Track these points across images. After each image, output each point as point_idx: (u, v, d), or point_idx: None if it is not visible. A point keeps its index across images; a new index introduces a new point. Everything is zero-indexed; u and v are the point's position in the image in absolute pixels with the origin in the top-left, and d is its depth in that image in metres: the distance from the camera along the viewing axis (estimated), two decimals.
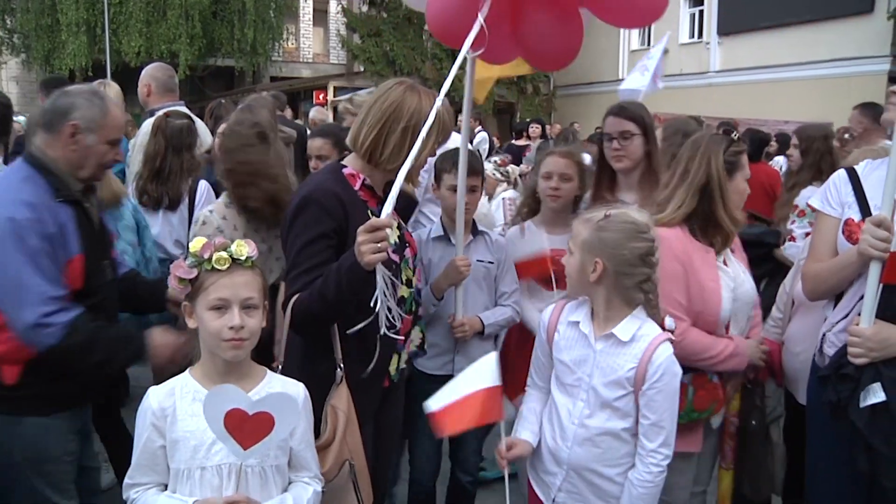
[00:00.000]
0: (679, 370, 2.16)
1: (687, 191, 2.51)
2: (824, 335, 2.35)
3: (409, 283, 2.45)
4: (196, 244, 1.82)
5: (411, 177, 2.48)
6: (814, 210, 2.52)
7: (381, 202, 2.30)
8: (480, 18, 2.34)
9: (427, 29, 20.05)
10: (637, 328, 2.14)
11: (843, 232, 2.34)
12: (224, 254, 1.80)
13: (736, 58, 20.82)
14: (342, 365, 2.20)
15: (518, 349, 3.03)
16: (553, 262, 2.96)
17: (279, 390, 1.88)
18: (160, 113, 4.04)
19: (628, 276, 2.12)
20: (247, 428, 1.71)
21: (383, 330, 2.18)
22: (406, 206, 3.01)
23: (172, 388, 1.87)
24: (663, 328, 2.19)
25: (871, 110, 5.26)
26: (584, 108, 22.06)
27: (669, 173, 2.62)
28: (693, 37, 23.03)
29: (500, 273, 3.01)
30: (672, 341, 2.17)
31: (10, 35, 21.26)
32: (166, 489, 1.87)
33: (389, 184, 2.34)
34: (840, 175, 2.43)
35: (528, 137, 11.07)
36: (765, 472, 2.82)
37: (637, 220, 2.15)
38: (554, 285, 2.98)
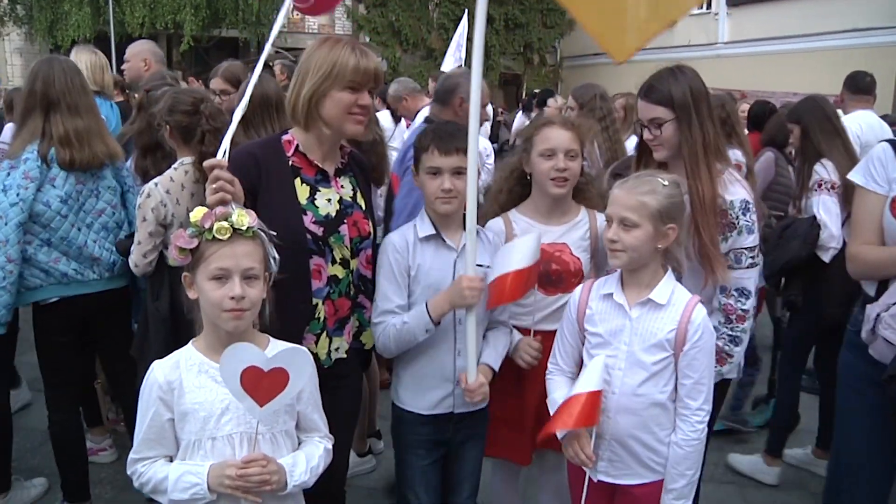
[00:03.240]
0: (713, 331, 2.22)
1: None
2: (879, 316, 2.31)
3: (344, 263, 2.36)
4: (197, 213, 1.80)
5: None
6: (855, 186, 2.46)
7: (320, 171, 2.33)
8: None
9: None
10: (671, 292, 2.19)
11: (891, 210, 2.31)
12: (225, 223, 1.78)
13: (744, 29, 20.63)
14: None
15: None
16: (555, 259, 2.61)
17: None
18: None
19: (683, 237, 2.23)
20: (263, 385, 1.74)
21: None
22: (363, 171, 2.61)
23: (177, 360, 1.86)
24: None
25: (850, 80, 5.28)
26: (591, 78, 21.67)
27: None
28: (702, 7, 22.83)
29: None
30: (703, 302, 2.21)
31: (12, 6, 21.10)
32: (172, 462, 1.88)
33: (333, 149, 2.38)
34: (887, 149, 2.38)
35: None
36: None
37: (680, 180, 2.26)
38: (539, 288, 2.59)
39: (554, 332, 2.54)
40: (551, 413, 2.30)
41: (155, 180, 3.00)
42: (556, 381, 2.37)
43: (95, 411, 3.97)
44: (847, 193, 3.35)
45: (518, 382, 2.62)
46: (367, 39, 21.44)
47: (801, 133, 3.84)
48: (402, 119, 6.91)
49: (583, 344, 2.32)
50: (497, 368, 2.47)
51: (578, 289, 2.37)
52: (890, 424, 2.33)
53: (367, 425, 3.98)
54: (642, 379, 2.17)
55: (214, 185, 1.97)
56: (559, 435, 2.23)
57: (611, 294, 2.25)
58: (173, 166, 3.06)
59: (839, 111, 4.20)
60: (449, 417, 2.45)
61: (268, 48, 2.42)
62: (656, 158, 2.53)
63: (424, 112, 5.92)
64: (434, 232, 2.40)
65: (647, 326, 2.17)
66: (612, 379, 2.21)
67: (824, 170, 3.64)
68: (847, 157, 3.67)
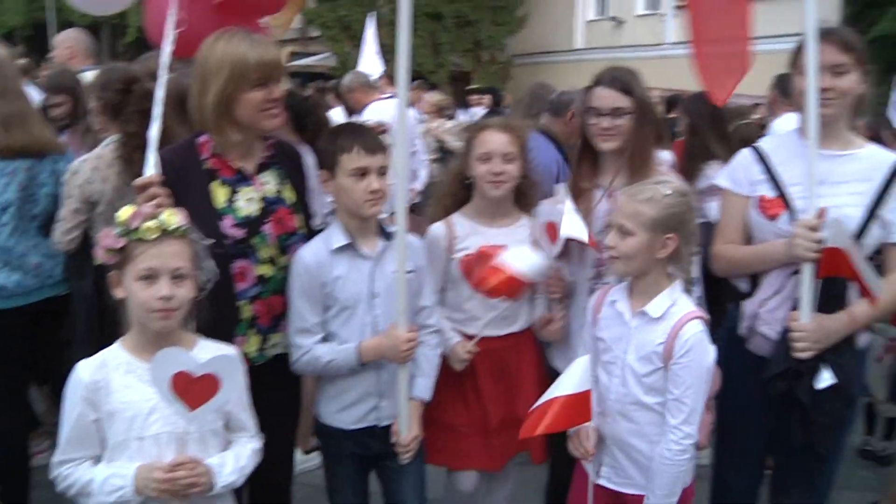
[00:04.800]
0: (711, 349, 2.18)
1: None
2: (756, 313, 2.44)
3: (271, 262, 2.34)
4: (124, 213, 1.79)
5: None
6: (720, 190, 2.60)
7: (239, 171, 2.31)
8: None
9: None
10: (671, 304, 2.18)
11: (758, 209, 2.44)
12: (153, 223, 1.77)
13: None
14: None
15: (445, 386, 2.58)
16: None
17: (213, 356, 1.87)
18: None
19: (688, 248, 2.21)
20: (193, 390, 1.73)
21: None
22: (293, 160, 2.55)
23: (103, 360, 1.85)
24: None
25: (780, 82, 5.45)
26: (540, 77, 21.91)
27: None
28: (648, 8, 23.17)
29: (421, 283, 2.48)
30: (703, 319, 2.20)
31: None
32: (97, 464, 1.86)
33: (251, 147, 2.35)
34: (747, 154, 2.53)
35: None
36: None
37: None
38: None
39: (503, 337, 2.60)
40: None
41: (82, 157, 2.97)
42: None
43: (31, 415, 3.86)
44: None
45: (477, 389, 2.62)
46: (318, 34, 21.26)
47: (690, 129, 3.77)
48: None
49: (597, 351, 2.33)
50: (429, 396, 2.44)
51: (597, 294, 2.40)
52: (764, 418, 2.44)
53: (312, 423, 3.98)
54: (635, 388, 2.20)
55: (154, 203, 1.97)
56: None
57: (616, 301, 2.28)
58: (102, 144, 3.02)
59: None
60: (373, 431, 2.40)
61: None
62: (605, 148, 2.55)
63: (373, 107, 5.93)
64: (347, 242, 2.32)
65: (643, 337, 2.20)
66: (611, 385, 2.24)
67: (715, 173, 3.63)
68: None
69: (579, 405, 2.15)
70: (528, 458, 2.78)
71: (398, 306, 2.26)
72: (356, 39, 21.42)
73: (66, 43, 4.74)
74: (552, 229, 2.48)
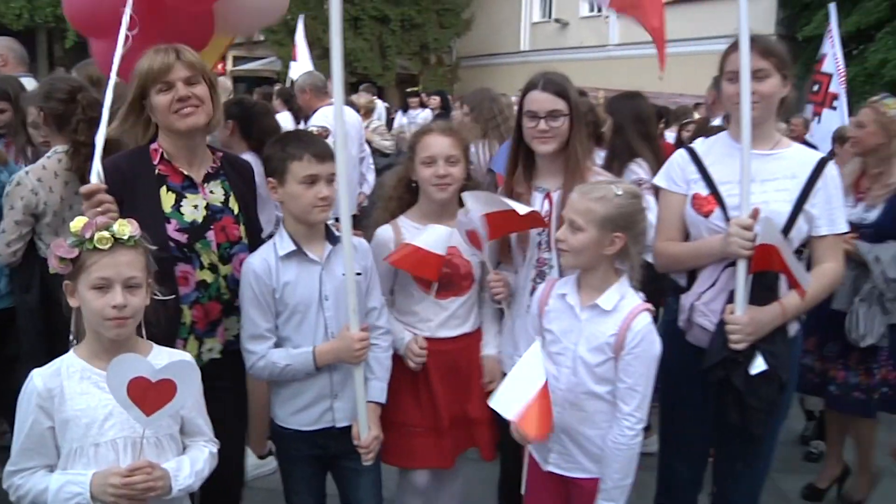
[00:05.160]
0: (658, 340, 2.28)
1: None
2: (692, 305, 2.55)
3: (212, 268, 2.39)
4: (77, 223, 1.80)
5: None
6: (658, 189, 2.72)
7: (187, 178, 2.38)
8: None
9: None
10: (620, 298, 2.27)
11: (692, 206, 2.56)
12: (106, 233, 1.79)
13: (634, 32, 21.25)
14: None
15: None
16: (446, 262, 2.62)
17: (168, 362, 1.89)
18: None
19: (636, 247, 2.28)
20: (150, 395, 1.75)
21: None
22: (241, 174, 2.61)
23: (58, 368, 1.85)
24: None
25: (717, 82, 5.60)
26: (487, 79, 22.25)
27: None
28: (592, 10, 23.54)
29: (368, 285, 2.50)
30: (651, 311, 2.30)
31: None
32: (52, 472, 1.86)
33: (197, 154, 2.42)
34: (683, 155, 2.66)
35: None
36: None
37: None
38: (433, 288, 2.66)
39: (455, 338, 2.65)
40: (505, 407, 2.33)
41: (26, 169, 2.97)
42: None
43: None
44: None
45: (429, 389, 2.66)
46: (262, 38, 21.05)
47: (614, 129, 3.80)
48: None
49: (543, 340, 2.39)
50: (384, 399, 2.49)
51: (543, 286, 2.46)
52: (705, 406, 2.55)
53: (267, 428, 3.98)
54: (586, 378, 2.27)
55: (99, 209, 2.01)
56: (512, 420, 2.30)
57: (565, 294, 2.35)
58: (46, 154, 3.01)
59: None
60: (330, 432, 2.44)
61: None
62: (542, 151, 2.60)
63: (322, 112, 5.89)
64: (295, 248, 2.36)
65: (593, 330, 2.27)
66: (560, 375, 2.31)
67: (641, 169, 3.64)
68: (655, 160, 3.62)
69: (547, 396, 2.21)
70: (480, 454, 2.83)
71: (349, 307, 2.30)
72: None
73: None
74: (474, 237, 2.55)
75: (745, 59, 2.35)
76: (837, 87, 6.59)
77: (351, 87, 12.76)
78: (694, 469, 2.79)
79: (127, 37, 2.40)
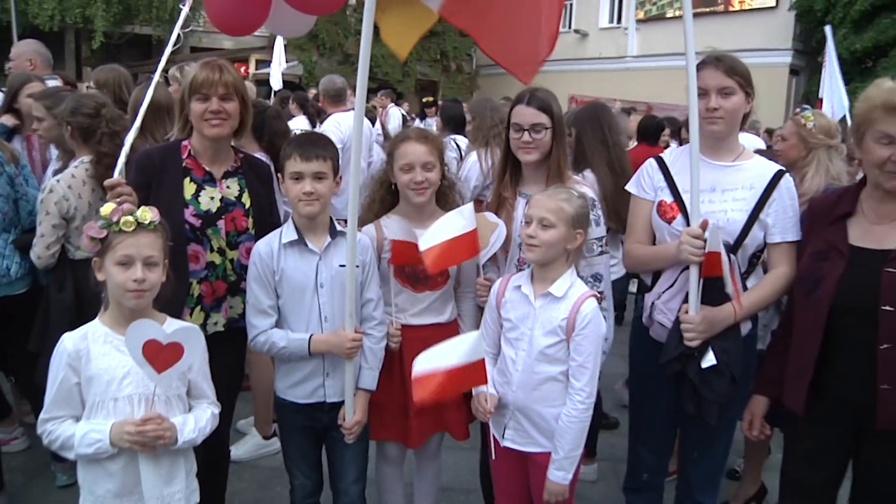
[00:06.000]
0: (603, 322, 2.56)
1: None
2: (653, 303, 2.77)
3: (220, 252, 2.73)
4: (106, 209, 2.11)
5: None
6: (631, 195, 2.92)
7: (208, 173, 2.74)
8: None
9: (351, 3, 19.96)
10: (569, 286, 2.53)
11: (657, 212, 2.77)
12: (130, 218, 2.09)
13: (652, 44, 21.49)
14: None
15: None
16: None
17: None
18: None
19: (587, 244, 2.61)
20: (161, 355, 2.04)
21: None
22: (259, 174, 2.92)
23: (85, 333, 2.15)
24: None
25: None
26: (506, 87, 22.43)
27: None
28: (612, 22, 23.68)
29: (366, 277, 2.71)
30: (597, 297, 2.55)
31: None
32: (77, 422, 2.14)
33: (219, 154, 2.78)
34: (652, 164, 2.86)
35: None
36: None
37: (587, 195, 2.68)
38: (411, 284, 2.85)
39: (428, 326, 2.87)
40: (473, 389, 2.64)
41: (56, 177, 3.26)
42: None
43: (3, 403, 4.11)
44: (607, 206, 3.37)
45: (402, 371, 2.84)
46: (285, 43, 21.41)
47: (575, 138, 3.88)
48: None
49: (501, 329, 2.66)
50: (374, 387, 2.72)
51: (499, 281, 2.71)
52: (668, 397, 2.74)
53: (271, 411, 4.24)
54: (540, 359, 2.51)
55: (118, 200, 2.31)
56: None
57: (520, 286, 2.60)
58: (73, 164, 3.32)
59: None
60: (322, 406, 2.70)
61: (166, 54, 2.82)
62: (527, 161, 2.83)
63: (333, 119, 6.00)
64: (297, 237, 2.60)
65: (547, 315, 2.52)
66: (517, 358, 2.56)
67: (582, 185, 3.60)
68: (609, 170, 3.73)
69: (472, 372, 2.41)
70: (470, 441, 3.05)
71: (346, 310, 2.55)
72: (323, 49, 21.74)
73: (26, 55, 4.91)
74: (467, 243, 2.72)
75: (692, 80, 2.49)
76: (834, 109, 6.57)
77: (371, 93, 13.08)
78: (658, 455, 3.01)
79: None
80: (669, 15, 21.15)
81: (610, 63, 22.30)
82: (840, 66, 6.64)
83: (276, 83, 10.36)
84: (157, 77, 2.81)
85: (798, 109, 3.70)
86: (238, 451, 4.02)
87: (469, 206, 2.73)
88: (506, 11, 2.31)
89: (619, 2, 23.39)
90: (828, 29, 6.89)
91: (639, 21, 22.72)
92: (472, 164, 4.22)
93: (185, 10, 2.80)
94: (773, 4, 20.27)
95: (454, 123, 6.14)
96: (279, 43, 10.44)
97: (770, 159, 2.85)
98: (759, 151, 3.04)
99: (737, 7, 20.96)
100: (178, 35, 2.86)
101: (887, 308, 2.26)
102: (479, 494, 3.34)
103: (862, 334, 2.31)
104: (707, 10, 20.89)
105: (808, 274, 2.49)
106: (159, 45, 23.09)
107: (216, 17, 2.79)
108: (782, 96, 19.76)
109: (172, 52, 2.94)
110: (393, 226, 2.85)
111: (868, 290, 2.30)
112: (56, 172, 3.75)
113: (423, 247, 2.60)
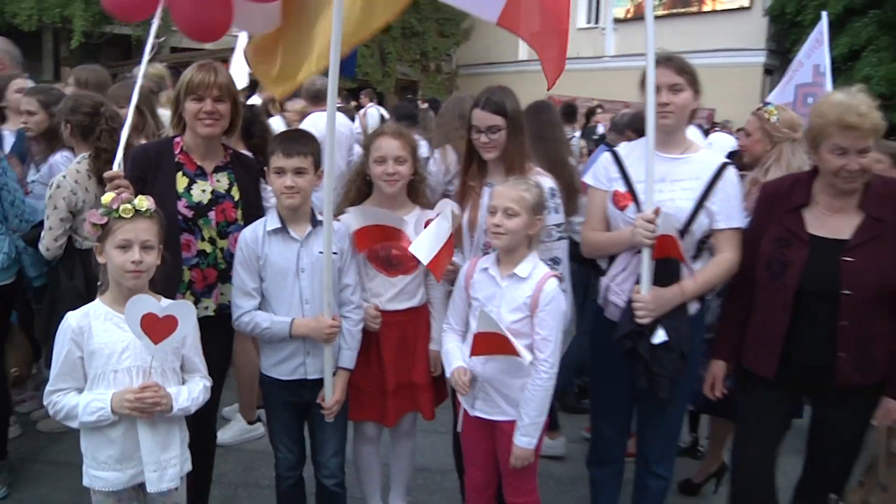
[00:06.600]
0: (563, 299, 2.78)
1: None
2: (608, 286, 3.00)
3: (211, 241, 2.92)
4: (107, 198, 2.32)
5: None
6: (588, 186, 3.13)
7: (199, 167, 2.93)
8: None
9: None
10: (533, 267, 2.74)
11: (612, 201, 2.99)
12: (129, 205, 2.31)
13: (630, 44, 21.71)
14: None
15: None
16: (395, 246, 3.00)
17: None
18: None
19: (545, 230, 2.85)
20: (158, 327, 2.26)
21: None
22: (247, 169, 3.09)
23: (87, 311, 2.36)
24: None
25: None
26: (485, 87, 22.53)
27: None
28: (590, 22, 23.89)
29: (344, 264, 2.90)
30: (558, 277, 2.78)
31: None
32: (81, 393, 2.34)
33: (210, 150, 2.96)
34: (606, 156, 3.08)
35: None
36: None
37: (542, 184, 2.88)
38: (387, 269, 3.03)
39: (403, 311, 3.05)
40: (446, 364, 2.90)
41: (63, 173, 3.46)
42: (449, 337, 2.93)
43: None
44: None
45: (380, 354, 3.06)
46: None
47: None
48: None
49: (469, 308, 2.88)
50: (353, 366, 2.92)
51: (466, 264, 2.92)
52: (625, 374, 2.93)
53: (256, 397, 4.38)
54: (507, 334, 2.64)
55: (116, 191, 2.49)
56: (448, 373, 2.87)
57: (487, 268, 2.81)
58: (76, 160, 3.51)
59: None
60: (304, 383, 2.88)
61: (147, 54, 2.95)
62: (486, 158, 3.04)
63: (310, 118, 6.13)
64: (280, 226, 2.80)
65: (512, 294, 2.73)
66: None
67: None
68: (546, 162, 3.61)
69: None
70: (445, 425, 3.29)
71: (324, 301, 2.76)
72: None
73: None
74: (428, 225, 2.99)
75: (651, 76, 2.71)
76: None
77: (350, 93, 13.22)
78: (617, 429, 3.22)
79: None
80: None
81: (588, 63, 22.51)
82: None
83: (241, 82, 10.36)
84: (139, 81, 2.95)
85: (760, 104, 3.76)
86: (223, 435, 4.18)
87: (450, 210, 2.97)
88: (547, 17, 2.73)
89: (597, 2, 23.65)
90: (824, 15, 6.63)
91: (616, 21, 23.01)
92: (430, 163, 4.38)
93: (155, 22, 2.96)
94: (747, 5, 20.62)
95: (407, 123, 6.31)
96: (241, 42, 10.44)
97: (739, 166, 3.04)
98: (731, 153, 3.19)
99: (710, 7, 21.31)
100: (154, 44, 3.00)
101: (846, 292, 2.63)
102: (454, 474, 3.51)
103: (824, 312, 2.66)
104: (682, 10, 21.26)
105: (773, 259, 2.76)
106: (139, 45, 22.69)
107: (184, 27, 3.01)
108: (756, 95, 20.07)
109: (155, 52, 3.10)
110: (355, 215, 3.00)
111: (830, 276, 2.64)
112: (38, 165, 3.96)
113: (425, 259, 2.83)
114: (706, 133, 14.19)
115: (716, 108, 18.86)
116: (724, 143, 8.62)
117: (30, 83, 4.58)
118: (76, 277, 3.45)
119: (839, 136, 2.57)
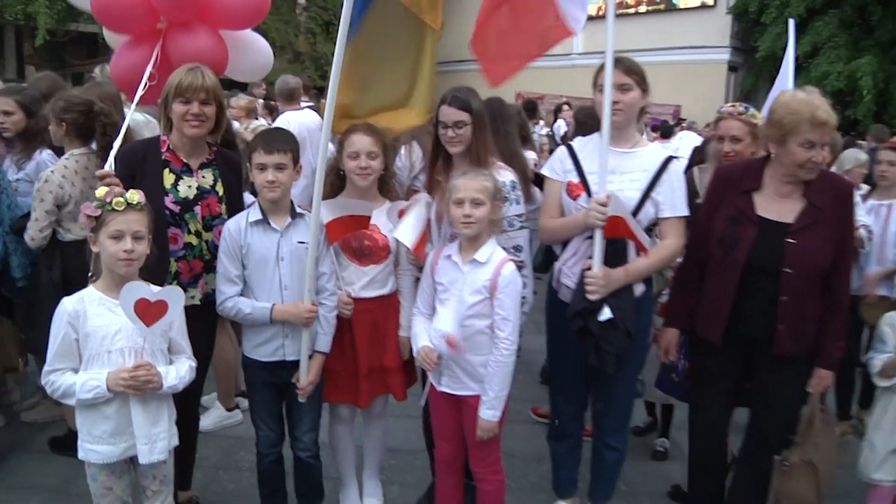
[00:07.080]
0: (520, 281, 2.96)
1: None
2: (560, 269, 3.23)
3: (197, 234, 3.07)
4: (101, 192, 2.51)
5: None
6: (545, 177, 3.34)
7: (185, 164, 3.09)
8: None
9: (301, 2, 19.98)
10: (492, 252, 2.91)
11: (566, 191, 3.21)
12: (121, 199, 2.49)
13: (597, 41, 21.82)
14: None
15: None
16: (367, 237, 3.16)
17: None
18: None
19: (508, 218, 3.09)
20: (149, 311, 2.44)
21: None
22: (230, 165, 3.24)
23: (82, 296, 2.54)
24: None
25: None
26: (456, 85, 22.67)
27: None
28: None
29: (320, 253, 3.03)
30: (514, 261, 2.95)
31: None
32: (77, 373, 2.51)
33: (196, 148, 3.11)
34: (562, 150, 3.31)
35: None
36: None
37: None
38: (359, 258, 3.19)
39: (374, 299, 3.22)
40: (413, 344, 3.10)
41: (50, 169, 3.62)
42: (417, 319, 3.12)
43: None
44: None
45: (353, 340, 3.21)
46: None
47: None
48: None
49: (435, 293, 3.04)
50: (329, 349, 3.09)
51: (433, 252, 3.08)
52: (579, 353, 3.08)
53: (235, 385, 4.58)
54: (468, 315, 2.88)
55: (108, 188, 2.66)
56: (415, 352, 3.07)
57: (450, 255, 2.98)
58: (64, 157, 3.67)
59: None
60: (282, 364, 3.06)
61: None
62: (452, 153, 3.18)
63: (284, 116, 6.26)
64: (262, 217, 2.97)
65: (474, 277, 2.90)
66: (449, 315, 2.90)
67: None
68: (501, 154, 3.63)
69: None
70: (417, 409, 3.45)
71: (304, 287, 2.94)
72: (273, 48, 21.80)
73: None
74: (403, 214, 3.22)
75: (609, 75, 2.94)
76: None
77: (320, 91, 13.31)
78: (573, 406, 3.45)
79: (146, 84, 3.20)
80: (619, 12, 21.74)
81: (556, 60, 22.63)
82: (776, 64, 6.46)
83: None
84: (140, 91, 3.20)
85: (742, 109, 3.79)
86: (204, 422, 4.30)
87: (424, 200, 3.21)
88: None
89: None
90: (791, 22, 6.69)
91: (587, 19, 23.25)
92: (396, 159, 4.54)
93: (149, 69, 3.22)
94: (711, 3, 21.01)
95: None
96: None
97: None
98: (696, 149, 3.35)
99: (677, 4, 21.66)
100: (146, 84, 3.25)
101: (787, 270, 2.90)
102: (425, 454, 3.70)
103: (767, 288, 2.94)
104: (650, 8, 21.59)
105: (726, 236, 3.02)
106: (105, 43, 22.51)
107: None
108: (721, 91, 20.52)
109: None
110: (327, 208, 3.08)
111: (774, 255, 2.92)
112: (19, 164, 4.11)
113: (410, 244, 3.10)
114: (672, 128, 14.62)
115: (681, 105, 19.24)
116: (691, 140, 9.58)
117: None
118: (54, 269, 3.60)
119: (811, 132, 2.81)
